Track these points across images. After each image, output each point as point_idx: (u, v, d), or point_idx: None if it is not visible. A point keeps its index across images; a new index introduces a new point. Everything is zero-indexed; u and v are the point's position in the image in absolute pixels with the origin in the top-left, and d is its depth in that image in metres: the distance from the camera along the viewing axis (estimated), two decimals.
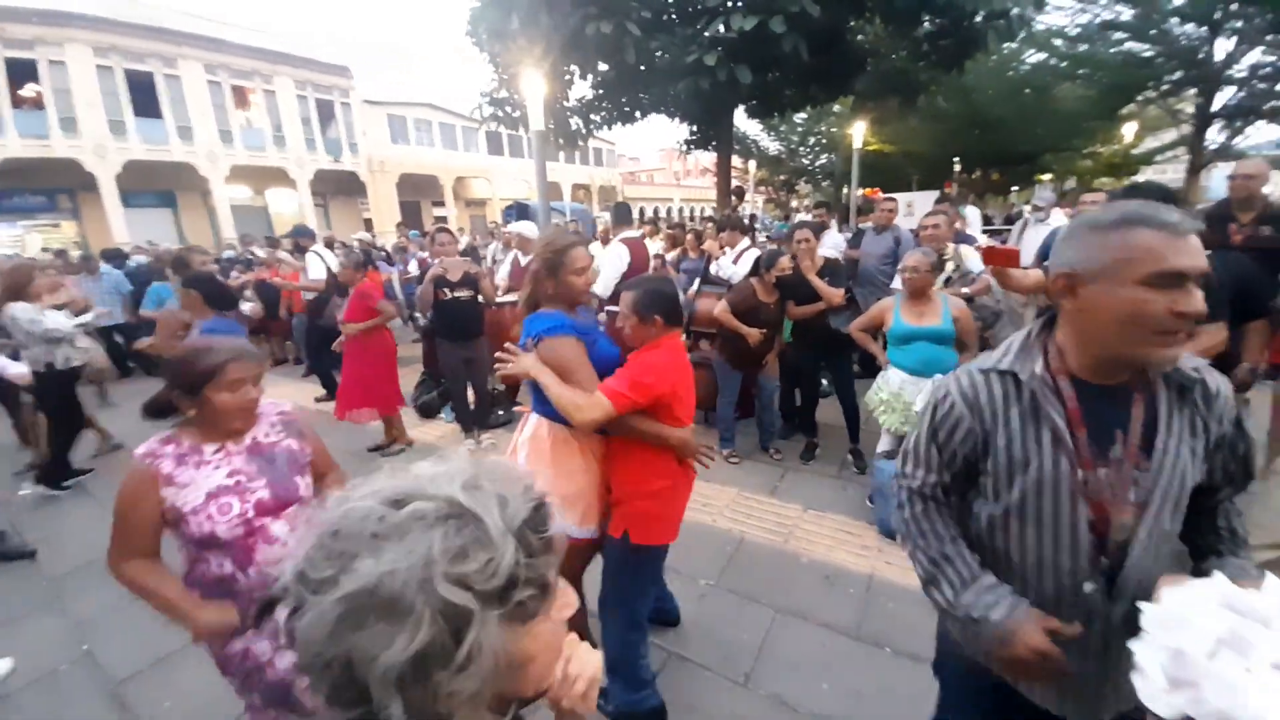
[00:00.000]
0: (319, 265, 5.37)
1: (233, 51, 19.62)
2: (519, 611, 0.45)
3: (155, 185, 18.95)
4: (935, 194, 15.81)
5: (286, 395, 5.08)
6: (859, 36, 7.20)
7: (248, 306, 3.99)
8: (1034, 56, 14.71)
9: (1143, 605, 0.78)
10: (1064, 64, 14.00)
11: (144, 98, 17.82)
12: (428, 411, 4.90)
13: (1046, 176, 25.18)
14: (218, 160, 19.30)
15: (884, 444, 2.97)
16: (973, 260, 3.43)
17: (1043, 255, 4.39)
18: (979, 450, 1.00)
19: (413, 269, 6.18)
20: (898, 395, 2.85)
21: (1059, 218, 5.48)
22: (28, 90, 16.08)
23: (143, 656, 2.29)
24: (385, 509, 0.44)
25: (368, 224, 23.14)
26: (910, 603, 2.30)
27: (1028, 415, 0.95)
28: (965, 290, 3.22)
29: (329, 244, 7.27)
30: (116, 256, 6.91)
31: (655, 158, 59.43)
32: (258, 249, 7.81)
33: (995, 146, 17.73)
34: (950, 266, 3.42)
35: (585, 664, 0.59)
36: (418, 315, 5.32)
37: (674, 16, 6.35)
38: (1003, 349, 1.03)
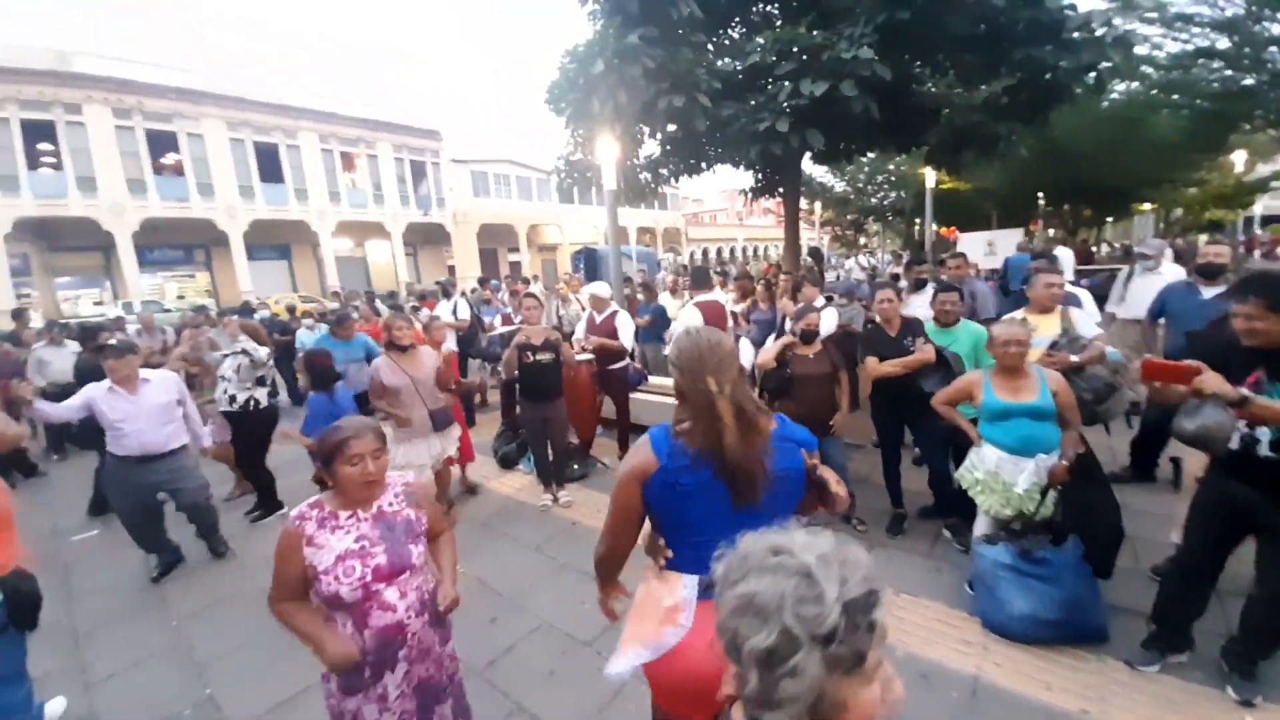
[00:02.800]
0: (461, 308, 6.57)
1: (343, 123, 22.22)
2: (835, 660, 0.61)
3: (274, 240, 21.43)
4: (1019, 232, 15.01)
5: None
6: (930, 89, 7.12)
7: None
8: (1120, 85, 13.81)
9: None
10: (1154, 92, 13.07)
11: (269, 165, 20.43)
12: (507, 462, 5.10)
13: (1146, 206, 23.21)
14: (326, 217, 21.62)
15: (982, 527, 2.78)
16: (1084, 324, 3.15)
17: (1155, 314, 4.03)
18: None
19: (497, 323, 6.56)
20: (995, 475, 2.67)
21: (1172, 268, 4.96)
22: (168, 159, 18.84)
23: (261, 702, 2.43)
24: (767, 554, 0.67)
25: (451, 270, 24.86)
26: (1025, 714, 2.11)
27: None
28: (1075, 358, 2.94)
29: (421, 296, 7.89)
30: (245, 311, 7.81)
31: (717, 198, 60.28)
32: (358, 303, 8.55)
33: (1081, 182, 16.65)
34: (1057, 330, 3.14)
35: None
36: (500, 369, 5.62)
37: (742, 81, 6.59)
38: None
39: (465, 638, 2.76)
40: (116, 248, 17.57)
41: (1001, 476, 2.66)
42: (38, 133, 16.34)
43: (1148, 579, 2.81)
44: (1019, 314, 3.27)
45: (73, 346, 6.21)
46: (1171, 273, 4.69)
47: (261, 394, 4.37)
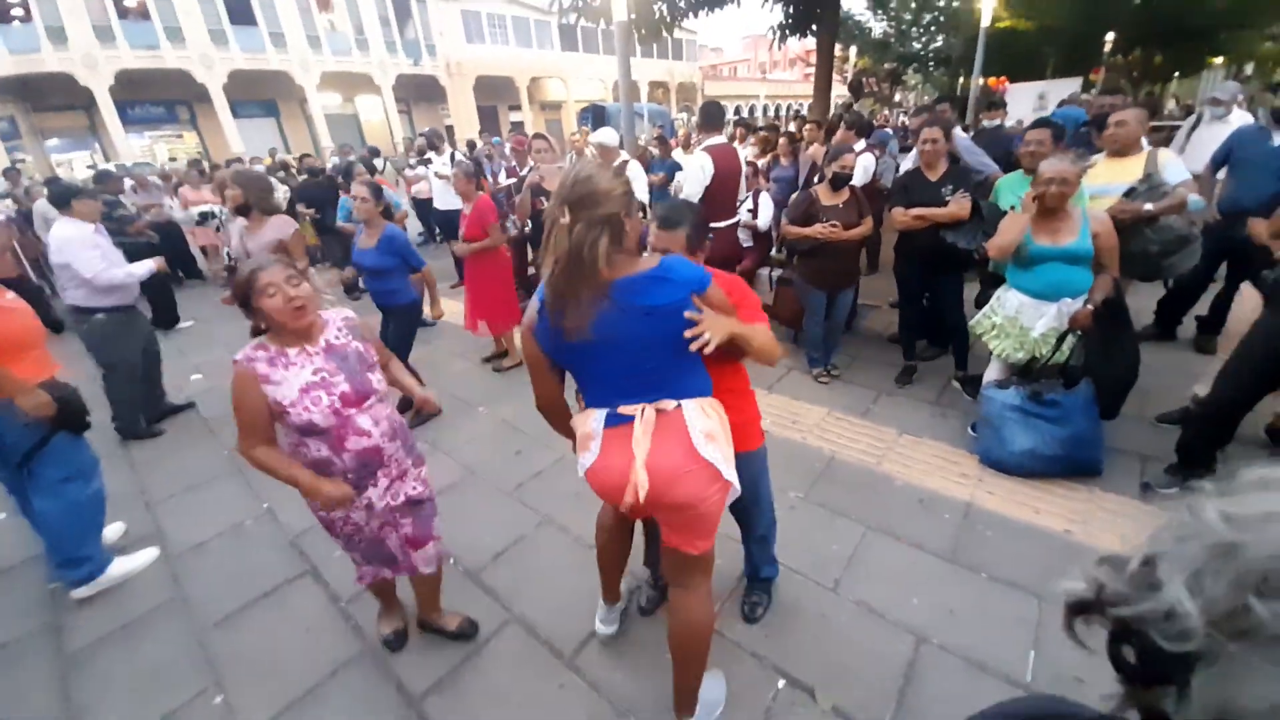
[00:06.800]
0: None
1: None
2: None
3: (258, 95, 19.93)
4: (1076, 81, 13.40)
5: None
6: None
7: None
8: None
9: None
10: None
11: (239, 4, 18.32)
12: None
13: (1218, 60, 20.58)
14: (309, 67, 19.86)
15: (994, 372, 2.81)
16: (1173, 169, 2.79)
17: (1219, 161, 3.70)
18: None
19: (502, 179, 6.21)
20: (1013, 319, 2.64)
21: (1241, 116, 4.50)
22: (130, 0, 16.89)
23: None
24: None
25: (449, 130, 23.22)
26: (1012, 535, 2.28)
27: None
28: (1150, 207, 2.68)
29: (421, 151, 7.40)
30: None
31: (738, 48, 54.14)
32: (351, 157, 8.10)
33: (1161, 20, 14.47)
34: (1138, 175, 2.80)
35: None
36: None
37: None
38: None
39: (494, 466, 2.99)
40: (97, 105, 16.49)
41: (1020, 321, 2.62)
42: None
43: (1150, 425, 2.91)
44: (1096, 158, 2.97)
45: None
46: (1241, 122, 4.28)
47: None
